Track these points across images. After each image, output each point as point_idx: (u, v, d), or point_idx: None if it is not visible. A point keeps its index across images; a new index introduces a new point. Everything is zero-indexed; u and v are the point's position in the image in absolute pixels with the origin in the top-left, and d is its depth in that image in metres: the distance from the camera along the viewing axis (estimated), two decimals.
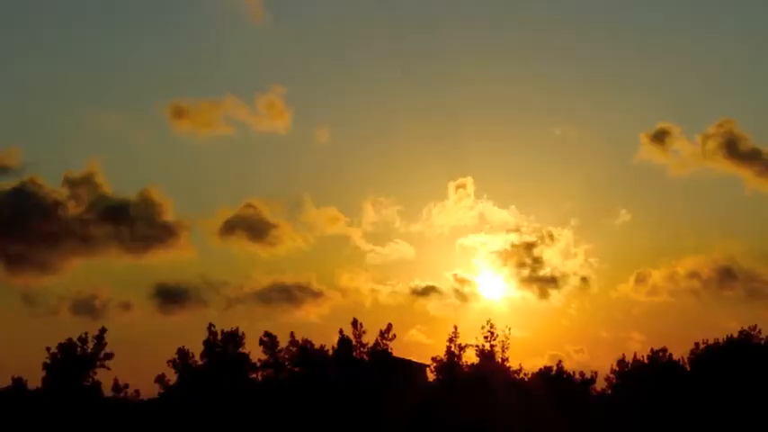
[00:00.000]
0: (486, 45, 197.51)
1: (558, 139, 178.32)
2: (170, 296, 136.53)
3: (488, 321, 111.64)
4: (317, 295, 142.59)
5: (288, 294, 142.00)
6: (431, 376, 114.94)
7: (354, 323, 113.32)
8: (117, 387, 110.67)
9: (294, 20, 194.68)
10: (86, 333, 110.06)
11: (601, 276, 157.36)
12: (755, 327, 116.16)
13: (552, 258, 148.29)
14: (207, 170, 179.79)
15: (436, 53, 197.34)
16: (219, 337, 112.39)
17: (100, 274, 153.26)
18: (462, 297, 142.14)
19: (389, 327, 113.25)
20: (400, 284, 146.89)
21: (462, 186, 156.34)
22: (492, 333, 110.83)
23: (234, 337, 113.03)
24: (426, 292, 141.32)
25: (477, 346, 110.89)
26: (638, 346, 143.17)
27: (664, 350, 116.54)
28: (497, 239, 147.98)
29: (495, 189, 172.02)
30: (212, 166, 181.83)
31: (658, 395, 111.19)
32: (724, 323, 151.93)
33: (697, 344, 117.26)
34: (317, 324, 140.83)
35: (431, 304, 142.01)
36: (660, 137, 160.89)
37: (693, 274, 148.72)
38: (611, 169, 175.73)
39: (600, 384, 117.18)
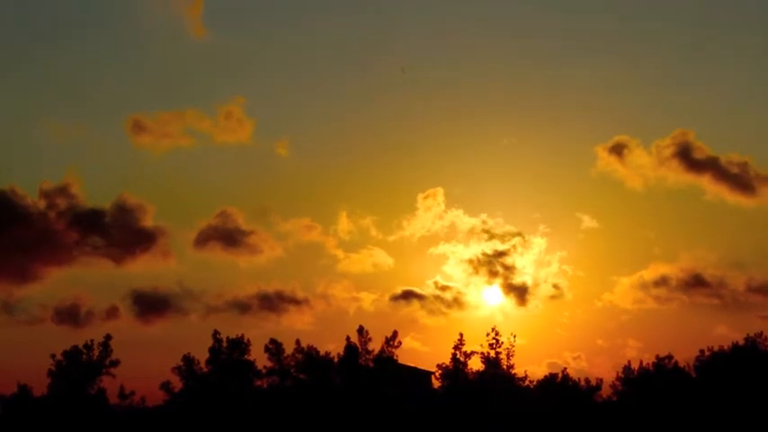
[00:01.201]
0: (450, 59, 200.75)
1: (518, 152, 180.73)
2: (151, 304, 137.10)
3: (493, 329, 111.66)
4: (300, 303, 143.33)
5: (270, 302, 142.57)
6: (436, 383, 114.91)
7: (360, 330, 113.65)
8: (122, 394, 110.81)
9: (234, 33, 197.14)
10: (92, 340, 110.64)
11: (578, 283, 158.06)
12: (761, 333, 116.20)
13: (528, 266, 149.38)
14: (177, 181, 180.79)
15: (398, 63, 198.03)
16: (225, 344, 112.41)
17: (80, 282, 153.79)
18: (446, 304, 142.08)
19: (395, 334, 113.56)
20: (380, 292, 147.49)
21: (432, 196, 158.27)
22: (497, 340, 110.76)
23: (239, 344, 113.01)
24: (409, 299, 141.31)
25: (482, 353, 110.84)
26: (633, 353, 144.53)
27: (669, 357, 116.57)
28: (475, 248, 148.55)
29: (465, 199, 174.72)
30: (182, 176, 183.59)
31: (664, 402, 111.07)
32: (708, 329, 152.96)
33: (702, 351, 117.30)
34: (305, 331, 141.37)
35: (415, 312, 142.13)
36: (618, 149, 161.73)
37: (666, 281, 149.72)
38: (574, 180, 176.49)
39: (605, 391, 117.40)
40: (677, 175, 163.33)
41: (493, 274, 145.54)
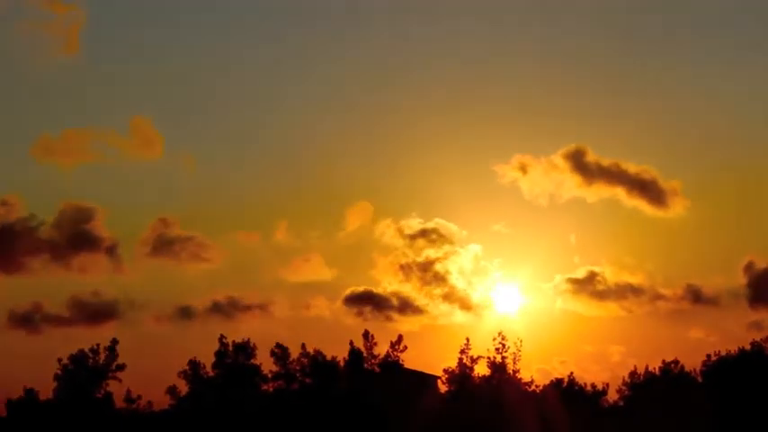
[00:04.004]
0: (365, 74, 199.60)
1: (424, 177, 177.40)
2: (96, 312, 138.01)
3: (500, 333, 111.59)
4: (253, 309, 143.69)
5: (223, 310, 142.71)
6: (442, 388, 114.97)
7: (366, 335, 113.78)
8: (129, 398, 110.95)
9: (110, 50, 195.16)
10: (98, 344, 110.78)
11: (521, 289, 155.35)
12: None
13: (470, 273, 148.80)
14: (99, 196, 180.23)
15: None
16: (231, 348, 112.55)
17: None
18: (400, 311, 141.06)
19: (400, 338, 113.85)
20: (327, 300, 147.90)
21: (362, 207, 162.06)
22: (503, 345, 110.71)
23: (245, 348, 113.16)
24: (358, 306, 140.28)
25: (488, 357, 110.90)
26: (617, 358, 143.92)
27: (675, 362, 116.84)
28: (415, 256, 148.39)
29: (396, 210, 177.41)
30: (104, 191, 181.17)
31: (671, 407, 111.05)
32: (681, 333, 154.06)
33: (708, 355, 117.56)
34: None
35: (370, 317, 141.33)
36: (523, 167, 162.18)
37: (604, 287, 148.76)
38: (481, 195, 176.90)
39: (611, 396, 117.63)
40: (583, 188, 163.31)
41: (439, 280, 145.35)
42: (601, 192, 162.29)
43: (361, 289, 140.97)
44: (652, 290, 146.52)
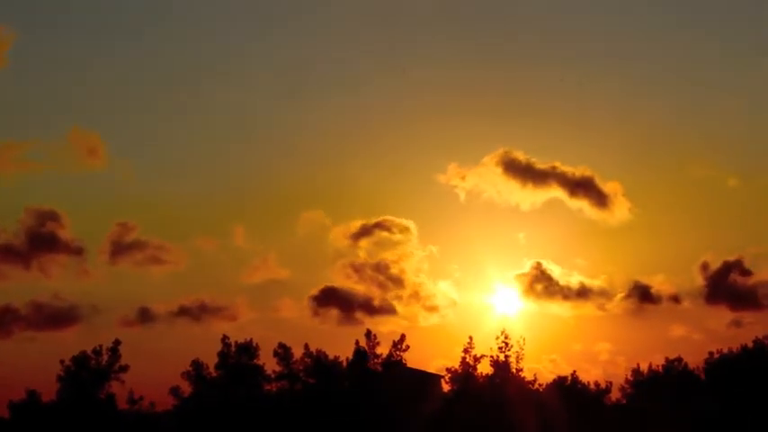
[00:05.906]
0: (306, 83, 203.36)
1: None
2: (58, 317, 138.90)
3: (503, 332, 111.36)
4: (223, 310, 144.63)
5: (191, 314, 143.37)
6: (445, 387, 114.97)
7: (368, 334, 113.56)
8: (132, 399, 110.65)
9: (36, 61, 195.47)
10: (101, 345, 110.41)
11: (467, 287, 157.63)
12: None
13: (429, 274, 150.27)
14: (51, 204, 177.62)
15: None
16: (234, 348, 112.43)
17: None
18: (368, 312, 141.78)
19: (402, 337, 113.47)
20: (291, 301, 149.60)
21: (315, 215, 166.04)
22: (506, 344, 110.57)
23: (248, 349, 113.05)
24: (323, 307, 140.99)
25: (491, 356, 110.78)
26: (605, 356, 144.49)
27: (679, 359, 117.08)
28: (372, 256, 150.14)
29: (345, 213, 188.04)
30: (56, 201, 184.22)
31: (674, 404, 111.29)
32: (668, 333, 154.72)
33: (711, 353, 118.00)
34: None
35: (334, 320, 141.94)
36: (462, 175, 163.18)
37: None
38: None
39: (615, 394, 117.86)
40: (526, 190, 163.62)
41: (398, 281, 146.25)
42: (542, 194, 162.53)
43: (321, 287, 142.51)
44: (606, 291, 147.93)
